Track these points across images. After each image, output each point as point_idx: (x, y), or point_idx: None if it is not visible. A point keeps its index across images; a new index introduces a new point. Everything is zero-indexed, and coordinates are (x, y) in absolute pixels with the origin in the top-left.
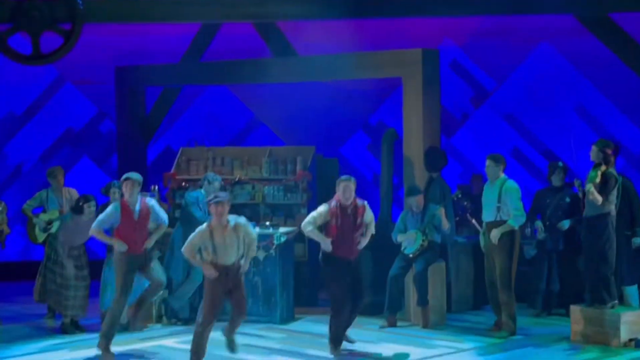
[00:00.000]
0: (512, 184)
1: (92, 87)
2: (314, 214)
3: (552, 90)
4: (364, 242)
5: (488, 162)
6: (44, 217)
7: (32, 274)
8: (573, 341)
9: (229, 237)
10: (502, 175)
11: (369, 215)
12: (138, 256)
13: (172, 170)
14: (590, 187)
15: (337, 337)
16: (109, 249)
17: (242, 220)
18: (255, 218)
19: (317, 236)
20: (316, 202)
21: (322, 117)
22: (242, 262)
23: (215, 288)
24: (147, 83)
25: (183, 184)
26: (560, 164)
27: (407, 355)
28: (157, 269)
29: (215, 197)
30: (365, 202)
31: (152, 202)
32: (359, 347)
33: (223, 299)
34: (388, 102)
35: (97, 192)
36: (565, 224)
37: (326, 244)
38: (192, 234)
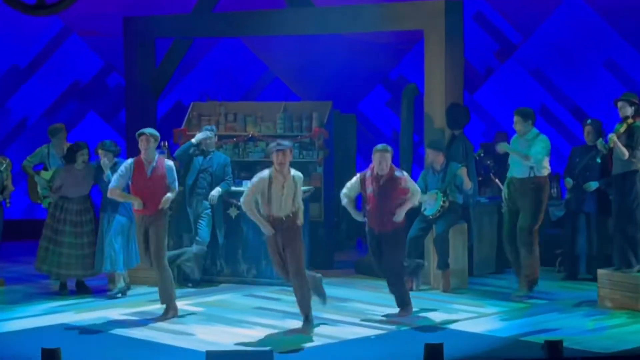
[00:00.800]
0: (544, 138)
1: (99, 39)
2: (347, 184)
3: (581, 43)
4: (400, 213)
5: (516, 118)
6: (45, 175)
7: (36, 233)
8: (600, 306)
9: (288, 188)
10: (534, 130)
11: (410, 186)
12: (147, 218)
13: (183, 126)
14: (612, 137)
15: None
16: (103, 207)
17: (300, 174)
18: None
19: (349, 208)
20: (333, 160)
21: (339, 71)
22: (298, 214)
23: (270, 245)
24: (157, 34)
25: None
26: (589, 120)
27: (426, 320)
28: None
29: (278, 144)
30: (405, 174)
31: (171, 164)
32: (377, 311)
33: (282, 255)
34: (409, 56)
35: None
36: (592, 185)
37: (356, 215)
38: (249, 184)
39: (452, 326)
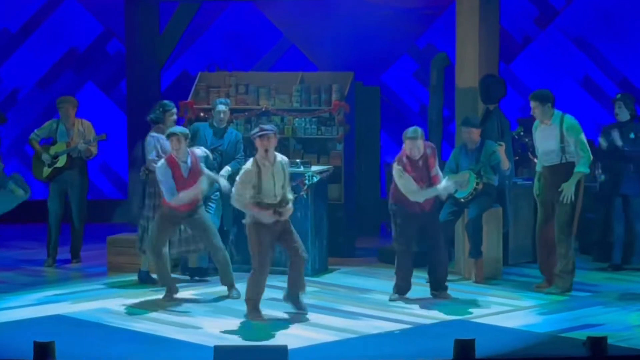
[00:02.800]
0: (572, 120)
1: (98, 2)
2: (403, 179)
3: (629, 7)
4: (440, 189)
5: (533, 104)
6: (51, 149)
7: (30, 216)
8: None
9: (278, 174)
10: (555, 111)
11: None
12: (181, 213)
13: (189, 99)
14: None
15: (397, 286)
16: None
17: (285, 158)
18: (284, 154)
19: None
20: (354, 136)
21: (362, 38)
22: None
23: (264, 234)
24: None
25: (201, 114)
26: (618, 95)
27: (457, 313)
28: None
29: (261, 129)
30: (434, 147)
31: (202, 153)
32: (401, 303)
33: (274, 245)
34: (438, 22)
35: (102, 124)
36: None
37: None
38: (237, 181)
39: (485, 320)
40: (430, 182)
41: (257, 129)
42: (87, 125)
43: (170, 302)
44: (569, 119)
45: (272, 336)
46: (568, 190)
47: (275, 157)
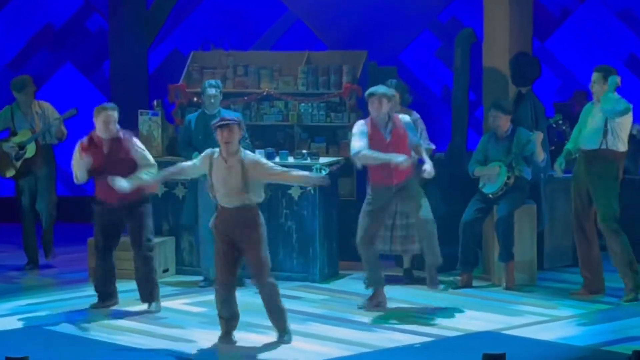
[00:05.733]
0: (626, 103)
1: None
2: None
3: None
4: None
5: (595, 76)
6: (15, 139)
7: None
8: None
9: (235, 172)
10: (615, 95)
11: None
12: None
13: (181, 81)
14: None
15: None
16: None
17: (254, 157)
18: (288, 144)
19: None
20: None
21: (376, 13)
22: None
23: (219, 239)
24: None
25: (195, 99)
26: None
27: (484, 324)
28: None
29: (222, 119)
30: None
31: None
32: (422, 313)
33: (234, 255)
34: None
35: (81, 110)
36: None
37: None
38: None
39: (517, 332)
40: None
41: (217, 120)
42: (46, 106)
43: (158, 313)
44: (627, 104)
45: (275, 351)
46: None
47: (238, 152)
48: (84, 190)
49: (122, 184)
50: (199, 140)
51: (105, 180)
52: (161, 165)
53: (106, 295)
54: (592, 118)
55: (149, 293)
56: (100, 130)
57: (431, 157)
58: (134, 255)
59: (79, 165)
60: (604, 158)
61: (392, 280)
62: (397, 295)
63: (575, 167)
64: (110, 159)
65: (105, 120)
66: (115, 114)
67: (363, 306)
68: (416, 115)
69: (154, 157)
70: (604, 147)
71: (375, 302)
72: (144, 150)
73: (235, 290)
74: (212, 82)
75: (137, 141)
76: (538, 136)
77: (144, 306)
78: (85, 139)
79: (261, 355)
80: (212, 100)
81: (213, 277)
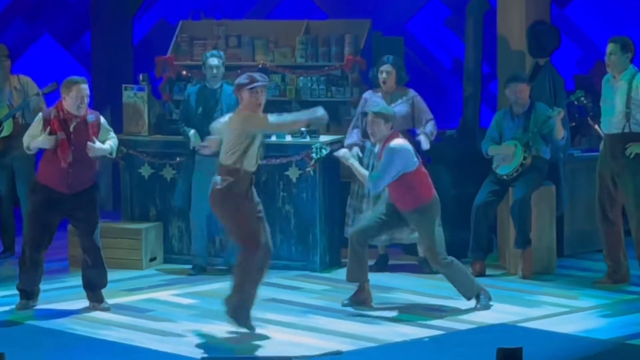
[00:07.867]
0: None
1: None
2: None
3: None
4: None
5: (611, 47)
6: None
7: None
8: None
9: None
10: (631, 67)
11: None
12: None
13: (169, 53)
14: None
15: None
16: None
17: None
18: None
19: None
20: None
21: None
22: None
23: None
24: None
25: (184, 72)
26: None
27: (499, 316)
28: None
29: (251, 79)
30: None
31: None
32: (431, 304)
33: (259, 221)
34: None
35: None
36: None
37: None
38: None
39: (534, 325)
40: None
41: (244, 77)
42: (26, 81)
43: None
44: None
45: (272, 345)
46: (635, 147)
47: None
48: None
49: (101, 146)
50: (198, 116)
51: (58, 164)
52: (148, 145)
53: (32, 293)
54: (611, 98)
55: (101, 287)
56: (71, 106)
57: (439, 137)
58: (83, 247)
59: (37, 141)
60: (629, 142)
61: (407, 269)
62: (404, 286)
63: (600, 151)
64: (77, 139)
65: (81, 95)
66: (87, 88)
67: (348, 303)
68: (413, 92)
69: (139, 136)
70: (627, 130)
71: (361, 298)
72: (110, 130)
73: None
74: (215, 52)
75: (105, 123)
76: (558, 114)
77: (131, 297)
78: (51, 111)
79: (260, 350)
80: (215, 72)
81: (204, 264)
